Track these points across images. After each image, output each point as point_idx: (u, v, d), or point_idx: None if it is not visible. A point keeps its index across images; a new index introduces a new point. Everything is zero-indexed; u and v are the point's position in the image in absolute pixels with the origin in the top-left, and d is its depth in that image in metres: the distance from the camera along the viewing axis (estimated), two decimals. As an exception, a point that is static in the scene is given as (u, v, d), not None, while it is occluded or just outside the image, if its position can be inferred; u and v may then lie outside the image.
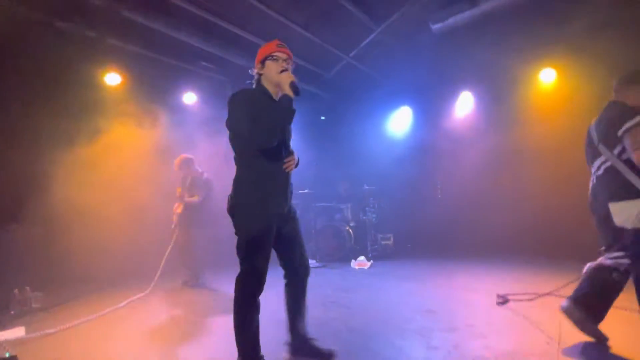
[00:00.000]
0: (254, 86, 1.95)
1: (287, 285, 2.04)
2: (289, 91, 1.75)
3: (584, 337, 2.15)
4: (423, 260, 5.37)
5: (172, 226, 4.30)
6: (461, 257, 5.28)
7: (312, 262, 5.41)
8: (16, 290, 3.30)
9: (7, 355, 2.09)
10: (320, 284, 4.11)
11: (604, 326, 2.10)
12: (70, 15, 3.75)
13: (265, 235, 1.80)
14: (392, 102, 6.72)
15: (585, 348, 2.04)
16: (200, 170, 4.49)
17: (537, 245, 4.94)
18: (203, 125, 5.35)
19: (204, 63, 5.07)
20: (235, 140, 1.86)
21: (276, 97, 1.88)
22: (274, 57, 1.87)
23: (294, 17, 4.40)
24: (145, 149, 4.80)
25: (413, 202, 6.49)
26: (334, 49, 5.19)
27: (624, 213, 1.94)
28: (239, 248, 1.80)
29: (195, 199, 4.30)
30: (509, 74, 5.24)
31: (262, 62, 1.89)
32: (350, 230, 5.67)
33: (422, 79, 5.90)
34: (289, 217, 1.97)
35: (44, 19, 3.70)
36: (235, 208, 1.83)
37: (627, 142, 1.90)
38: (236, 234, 1.82)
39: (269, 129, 1.70)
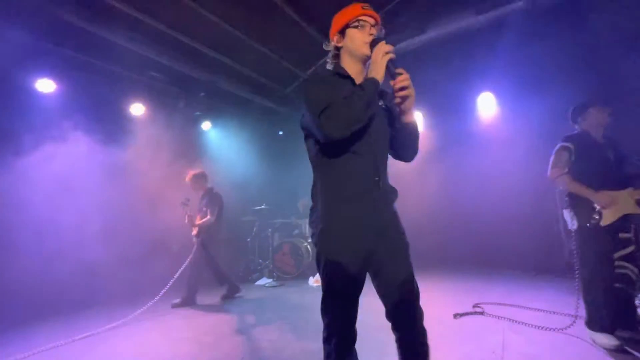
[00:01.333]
0: (328, 66, 1.51)
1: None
2: (381, 73, 1.29)
3: (526, 348, 2.29)
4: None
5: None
6: (417, 272, 5.44)
7: (269, 281, 5.25)
8: None
9: None
10: (277, 304, 3.97)
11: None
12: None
13: (342, 276, 1.30)
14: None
15: (526, 357, 2.16)
16: (209, 185, 4.45)
17: (484, 258, 5.28)
18: (153, 137, 5.03)
19: (153, 73, 4.81)
20: (309, 139, 1.42)
21: (360, 78, 1.42)
22: (360, 23, 1.39)
23: (250, 32, 4.37)
24: (83, 164, 4.36)
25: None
26: (291, 66, 5.24)
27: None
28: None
29: (208, 218, 4.23)
30: (453, 96, 5.67)
31: (342, 32, 1.43)
32: (309, 246, 5.61)
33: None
34: (388, 236, 1.37)
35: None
36: (311, 231, 1.41)
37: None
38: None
39: (344, 116, 1.23)
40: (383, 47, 1.30)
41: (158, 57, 4.38)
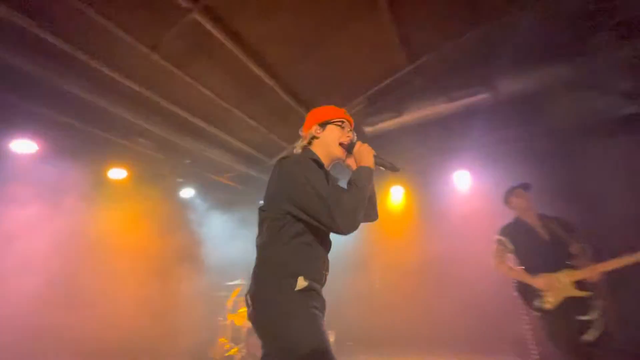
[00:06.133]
0: (297, 150, 1.62)
1: None
2: (371, 163, 1.49)
3: None
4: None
5: None
6: None
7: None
8: None
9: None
10: None
11: None
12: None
13: None
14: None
15: None
16: None
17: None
18: (134, 202, 4.89)
19: (140, 139, 4.84)
20: (289, 216, 1.41)
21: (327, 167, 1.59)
22: (343, 124, 1.64)
23: (240, 106, 4.60)
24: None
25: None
26: (280, 140, 5.46)
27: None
28: None
29: None
30: (429, 173, 5.95)
31: (323, 125, 1.62)
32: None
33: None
34: None
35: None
36: None
37: None
38: None
39: (355, 206, 1.34)
40: (368, 146, 1.57)
41: (148, 125, 4.44)
